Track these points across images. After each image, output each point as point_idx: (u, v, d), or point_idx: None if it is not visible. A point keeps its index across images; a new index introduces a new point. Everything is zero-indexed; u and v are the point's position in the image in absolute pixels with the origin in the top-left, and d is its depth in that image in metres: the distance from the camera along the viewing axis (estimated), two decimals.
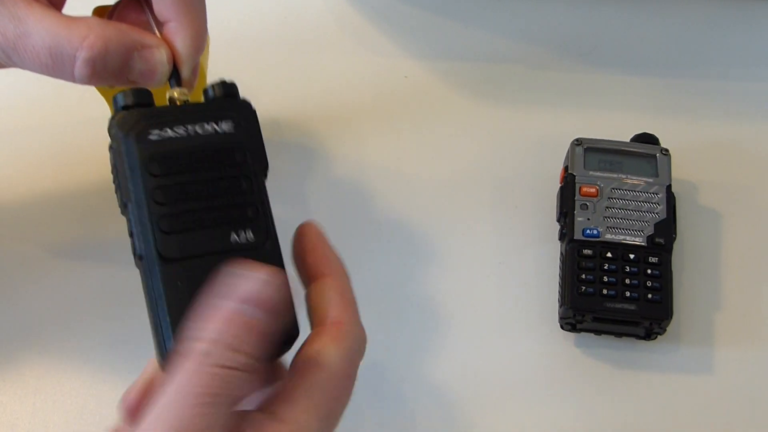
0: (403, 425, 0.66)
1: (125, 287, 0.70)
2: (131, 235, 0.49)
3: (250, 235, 0.49)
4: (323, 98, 0.79)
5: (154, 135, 0.49)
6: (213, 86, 0.52)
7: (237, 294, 0.44)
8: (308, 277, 0.49)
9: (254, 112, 0.52)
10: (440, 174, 0.76)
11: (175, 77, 0.55)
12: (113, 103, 0.51)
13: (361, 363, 0.63)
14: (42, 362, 0.68)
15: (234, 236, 0.49)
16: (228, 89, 0.53)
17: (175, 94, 0.53)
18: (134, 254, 0.49)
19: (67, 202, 0.73)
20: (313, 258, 0.49)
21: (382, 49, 0.82)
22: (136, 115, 0.50)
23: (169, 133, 0.50)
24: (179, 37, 0.55)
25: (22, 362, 0.68)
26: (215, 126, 0.50)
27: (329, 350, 0.46)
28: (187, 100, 0.53)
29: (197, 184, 0.49)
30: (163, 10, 0.55)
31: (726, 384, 0.68)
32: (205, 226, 0.49)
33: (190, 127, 0.50)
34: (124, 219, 0.73)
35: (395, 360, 0.68)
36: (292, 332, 0.48)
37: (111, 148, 0.50)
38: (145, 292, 0.50)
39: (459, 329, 0.69)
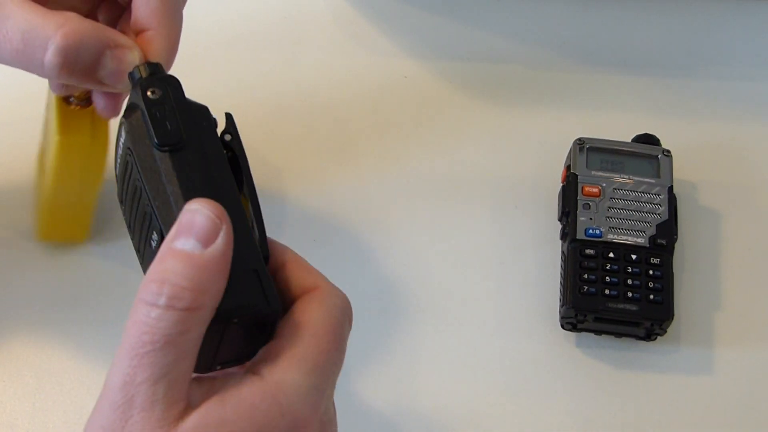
0: (403, 425, 0.66)
1: (127, 286, 0.70)
2: None
3: (155, 236, 0.48)
4: (323, 98, 0.79)
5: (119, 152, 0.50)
6: (138, 67, 0.51)
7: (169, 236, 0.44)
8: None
9: (143, 101, 0.49)
10: (440, 174, 0.76)
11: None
12: (130, 78, 0.51)
13: (361, 362, 0.63)
14: (42, 362, 0.68)
15: (153, 244, 0.48)
16: (151, 69, 0.51)
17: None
18: None
19: None
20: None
21: (382, 49, 0.82)
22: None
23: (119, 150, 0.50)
24: (156, 45, 0.54)
25: (22, 362, 0.68)
26: (121, 143, 0.50)
27: (311, 309, 0.46)
28: None
29: (131, 215, 0.50)
30: (144, 18, 0.54)
31: (726, 384, 0.68)
32: (144, 249, 0.49)
33: (117, 155, 0.50)
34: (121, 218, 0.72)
35: (394, 359, 0.68)
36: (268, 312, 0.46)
37: None
38: None
39: (459, 329, 0.69)
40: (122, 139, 0.49)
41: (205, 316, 0.43)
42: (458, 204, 0.74)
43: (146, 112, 0.48)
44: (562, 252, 0.69)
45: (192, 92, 0.79)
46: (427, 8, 0.84)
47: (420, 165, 0.76)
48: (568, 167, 0.71)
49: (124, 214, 0.50)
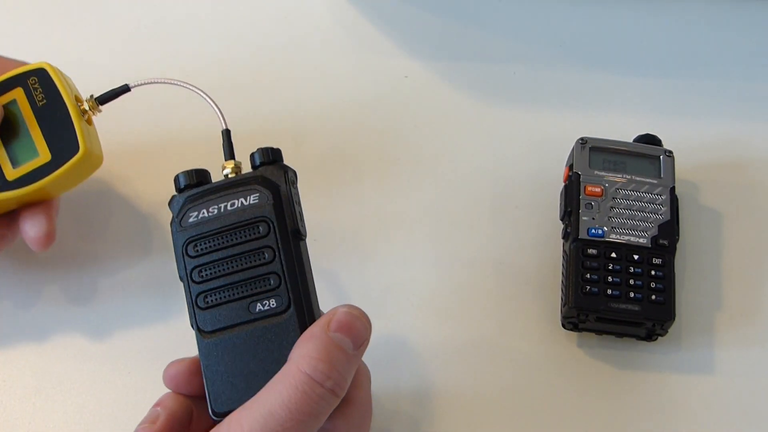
0: (402, 425, 0.66)
1: (126, 288, 0.70)
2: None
3: (272, 303, 0.55)
4: (323, 98, 0.79)
5: (192, 217, 0.57)
6: (258, 151, 0.59)
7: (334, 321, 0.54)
8: None
9: (287, 175, 0.58)
10: (440, 174, 0.76)
11: (227, 149, 0.61)
12: (174, 182, 0.59)
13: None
14: (42, 362, 0.68)
15: (258, 306, 0.55)
16: (269, 155, 0.58)
17: (227, 168, 0.60)
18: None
19: (69, 202, 0.73)
20: None
21: (382, 49, 0.82)
22: (182, 199, 0.58)
23: (205, 214, 0.57)
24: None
25: (22, 362, 0.68)
26: (243, 201, 0.57)
27: (354, 388, 0.56)
28: (239, 172, 0.60)
29: (226, 260, 0.56)
30: None
31: (726, 384, 0.68)
32: (232, 299, 0.56)
33: (222, 205, 0.57)
34: (120, 219, 0.73)
35: (395, 360, 0.68)
36: None
37: (170, 224, 0.58)
38: None
39: (459, 329, 0.69)
40: (252, 201, 0.57)
41: None
42: (459, 203, 0.74)
43: (291, 199, 0.57)
44: (564, 251, 0.69)
45: (191, 91, 0.79)
46: (427, 8, 0.84)
47: (420, 165, 0.76)
48: (570, 167, 0.71)
49: (198, 255, 0.57)
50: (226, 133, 0.62)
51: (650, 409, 0.67)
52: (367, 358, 0.67)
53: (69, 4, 0.83)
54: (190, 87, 0.64)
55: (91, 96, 0.65)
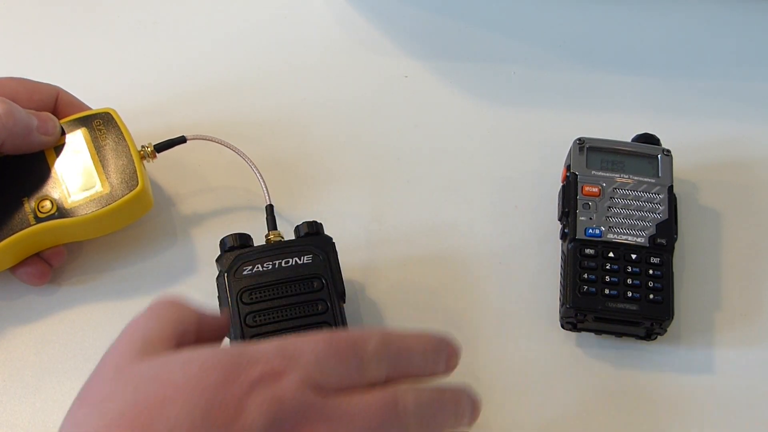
0: None
1: (127, 287, 0.71)
2: None
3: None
4: (323, 98, 0.79)
5: (246, 270, 0.63)
6: (303, 224, 0.66)
7: None
8: None
9: (333, 245, 0.65)
10: (440, 174, 0.76)
11: (270, 222, 0.68)
12: (220, 245, 0.65)
13: None
14: (42, 362, 0.68)
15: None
16: (314, 228, 0.66)
17: (270, 236, 0.67)
18: None
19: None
20: None
21: (382, 49, 0.82)
22: (233, 256, 0.64)
23: (259, 268, 0.63)
24: None
25: (22, 362, 0.68)
26: (297, 260, 0.64)
27: None
28: (281, 240, 0.67)
29: (281, 308, 0.62)
30: None
31: (726, 384, 0.68)
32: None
33: (276, 261, 0.63)
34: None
35: None
36: None
37: (217, 279, 0.64)
38: None
39: (459, 329, 0.69)
40: (306, 260, 0.64)
41: None
42: (458, 204, 0.74)
43: (338, 265, 0.65)
44: (562, 252, 0.69)
45: (191, 91, 0.80)
46: (427, 8, 0.84)
47: (420, 165, 0.76)
48: (568, 167, 0.71)
49: (253, 302, 0.63)
50: (270, 208, 0.69)
51: (649, 409, 0.67)
52: None
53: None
54: (243, 155, 0.70)
55: (150, 143, 0.70)
